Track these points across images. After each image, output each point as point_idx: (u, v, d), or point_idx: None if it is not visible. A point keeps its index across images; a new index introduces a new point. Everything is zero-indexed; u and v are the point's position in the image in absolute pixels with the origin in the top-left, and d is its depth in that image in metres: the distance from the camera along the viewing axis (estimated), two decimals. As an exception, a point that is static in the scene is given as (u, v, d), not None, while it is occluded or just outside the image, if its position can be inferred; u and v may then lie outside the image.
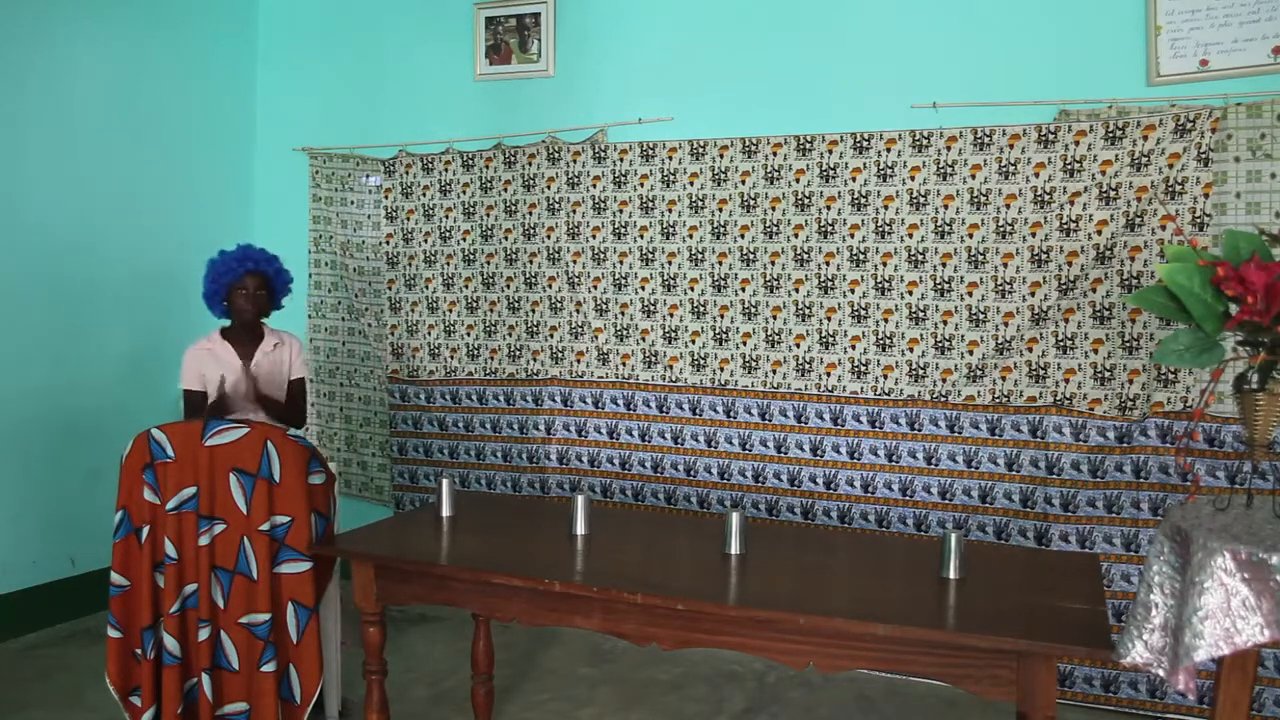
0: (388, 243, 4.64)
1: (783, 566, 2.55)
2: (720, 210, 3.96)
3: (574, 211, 4.21)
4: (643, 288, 4.11)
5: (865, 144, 3.71)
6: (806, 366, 3.86)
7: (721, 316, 3.99)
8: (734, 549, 2.55)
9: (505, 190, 4.37)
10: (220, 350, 3.35)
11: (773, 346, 3.91)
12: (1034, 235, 3.49)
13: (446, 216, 4.51)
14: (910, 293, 3.68)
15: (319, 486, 2.92)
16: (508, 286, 4.39)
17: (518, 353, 4.38)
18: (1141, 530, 3.37)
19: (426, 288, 4.56)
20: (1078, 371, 3.48)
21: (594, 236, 4.19)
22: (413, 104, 4.60)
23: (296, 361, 3.49)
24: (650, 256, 4.09)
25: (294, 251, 4.60)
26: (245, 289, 3.33)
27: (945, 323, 3.64)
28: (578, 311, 4.24)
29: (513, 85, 4.40)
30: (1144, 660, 1.96)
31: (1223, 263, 1.96)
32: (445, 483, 3.05)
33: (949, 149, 3.59)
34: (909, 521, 3.72)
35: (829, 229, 3.79)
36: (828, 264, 3.80)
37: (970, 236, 3.59)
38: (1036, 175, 3.48)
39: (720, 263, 3.97)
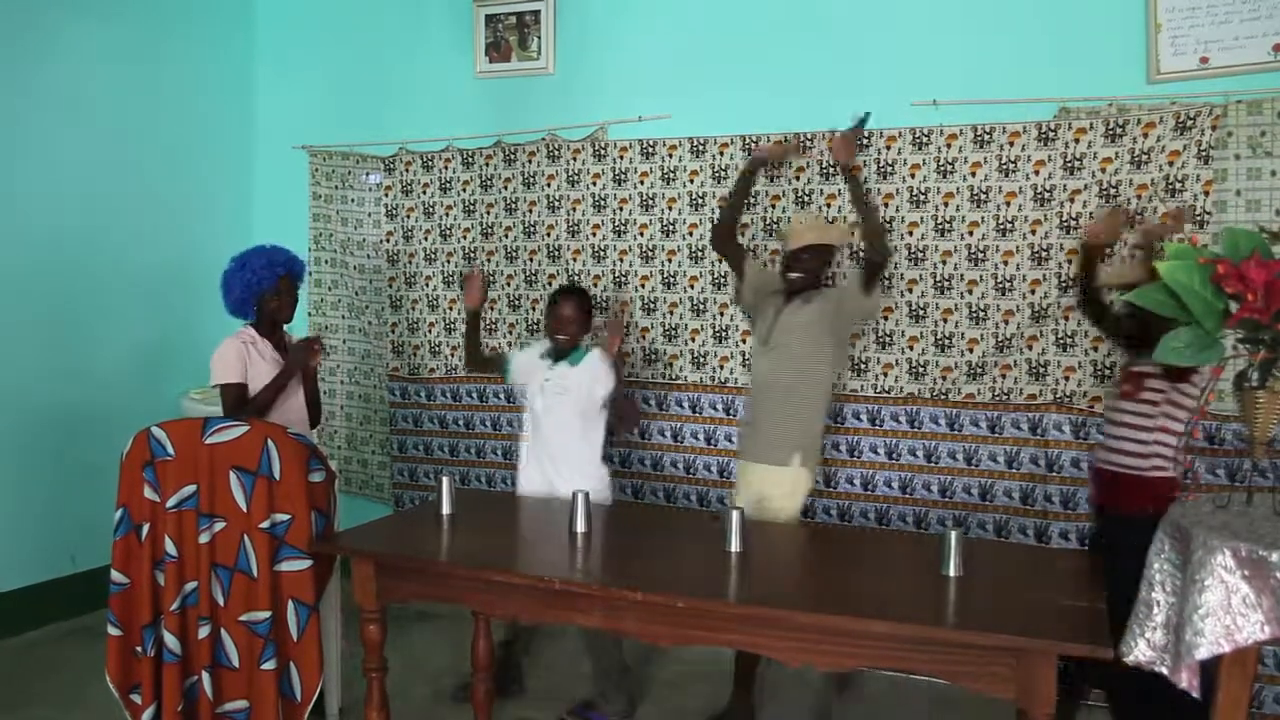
0: (388, 240, 4.63)
1: (783, 564, 2.55)
2: (721, 208, 3.95)
3: (574, 209, 4.20)
4: (642, 285, 4.11)
5: (865, 141, 3.70)
6: (806, 364, 3.85)
7: (721, 314, 3.99)
8: (734, 546, 2.55)
9: (505, 188, 4.37)
10: (263, 346, 3.32)
11: (773, 344, 3.90)
12: (1034, 233, 3.49)
13: (447, 214, 4.50)
14: (910, 290, 3.68)
15: (319, 484, 2.91)
16: (508, 284, 4.38)
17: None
18: (1141, 528, 3.37)
19: (427, 285, 4.56)
20: (1078, 369, 3.47)
21: (594, 234, 4.18)
22: (413, 102, 4.59)
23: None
24: (650, 254, 4.09)
25: (294, 249, 4.59)
26: (281, 293, 3.32)
27: (945, 320, 3.64)
28: (578, 309, 4.23)
29: (512, 83, 4.40)
30: (1147, 658, 1.96)
31: (1223, 260, 1.96)
32: (445, 480, 3.04)
33: (949, 146, 3.59)
34: (909, 519, 3.72)
35: (829, 227, 3.78)
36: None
37: (970, 234, 3.58)
38: (1037, 173, 3.48)
39: (719, 261, 3.96)
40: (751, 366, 3.36)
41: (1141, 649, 1.97)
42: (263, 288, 3.29)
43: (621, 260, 4.13)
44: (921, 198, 3.64)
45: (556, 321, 3.36)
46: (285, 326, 3.43)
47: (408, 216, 4.58)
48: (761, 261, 3.76)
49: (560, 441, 3.33)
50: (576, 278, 4.20)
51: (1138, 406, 2.75)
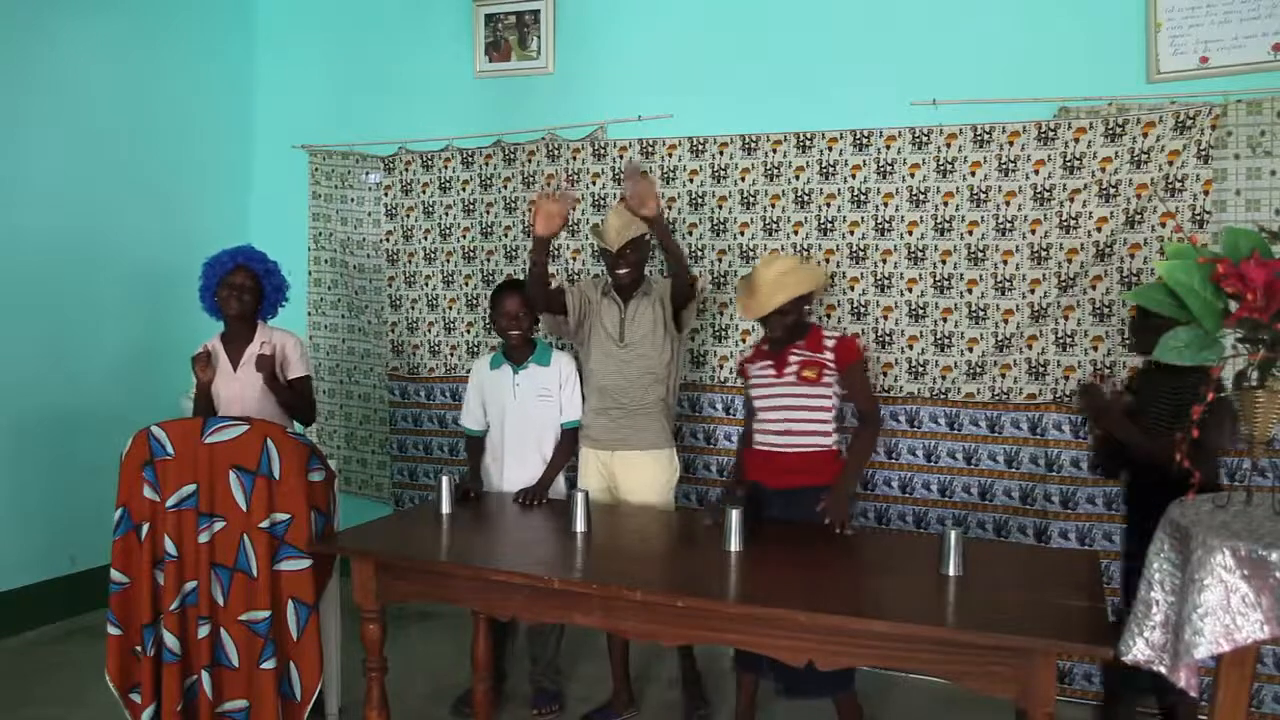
0: (388, 240, 4.63)
1: (782, 563, 2.55)
2: (720, 207, 3.95)
3: (573, 209, 4.20)
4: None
5: (865, 141, 3.70)
6: (806, 364, 3.85)
7: (720, 314, 3.98)
8: (733, 546, 2.55)
9: (505, 187, 4.37)
10: (216, 354, 3.33)
11: (772, 344, 3.90)
12: (1034, 232, 3.49)
13: (446, 214, 4.50)
14: (910, 290, 3.68)
15: (318, 484, 2.92)
16: (507, 284, 4.38)
17: (517, 350, 4.37)
18: (1141, 527, 3.37)
19: (426, 285, 4.56)
20: (1077, 369, 3.47)
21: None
22: (412, 101, 4.59)
23: (291, 360, 3.39)
24: (650, 254, 4.08)
25: (293, 249, 4.60)
26: (230, 283, 3.28)
27: (945, 320, 3.64)
28: (577, 309, 4.23)
29: (512, 82, 4.40)
30: (1145, 658, 1.96)
31: (1222, 260, 1.96)
32: (445, 480, 3.05)
33: (949, 146, 3.59)
34: (909, 519, 3.72)
35: (829, 226, 3.78)
36: (827, 261, 3.79)
37: (970, 234, 3.58)
38: (1036, 172, 3.48)
39: (719, 260, 3.97)
40: (596, 365, 3.34)
41: (1140, 648, 1.97)
42: (221, 270, 3.29)
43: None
44: (921, 197, 3.64)
45: (504, 318, 3.32)
46: (269, 325, 3.42)
47: (407, 216, 4.58)
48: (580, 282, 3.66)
49: (536, 439, 3.36)
50: (576, 277, 4.20)
51: (818, 389, 2.98)
